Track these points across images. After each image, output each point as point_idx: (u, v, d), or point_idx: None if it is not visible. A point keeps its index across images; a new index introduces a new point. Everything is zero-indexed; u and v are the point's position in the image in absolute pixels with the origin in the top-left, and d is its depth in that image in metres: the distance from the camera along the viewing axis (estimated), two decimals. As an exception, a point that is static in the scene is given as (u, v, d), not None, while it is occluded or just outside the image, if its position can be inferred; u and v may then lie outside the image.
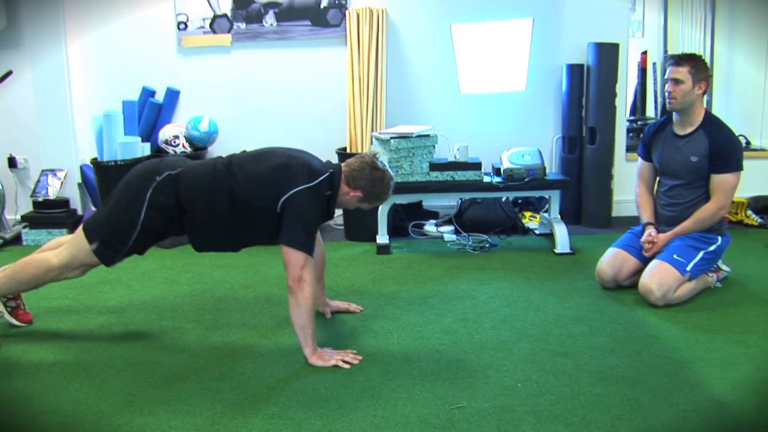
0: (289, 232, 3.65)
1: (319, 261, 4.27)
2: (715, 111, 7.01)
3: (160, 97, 6.84)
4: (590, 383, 3.40)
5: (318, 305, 4.36)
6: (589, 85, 6.50)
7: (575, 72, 6.57)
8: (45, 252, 4.05)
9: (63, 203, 6.51)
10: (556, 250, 5.72)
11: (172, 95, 6.86)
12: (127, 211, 3.79)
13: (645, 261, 4.69)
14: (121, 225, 3.80)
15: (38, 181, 6.58)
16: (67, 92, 6.67)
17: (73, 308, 4.55)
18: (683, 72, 4.50)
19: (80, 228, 3.88)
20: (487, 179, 5.95)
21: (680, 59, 4.56)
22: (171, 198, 3.79)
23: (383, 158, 3.94)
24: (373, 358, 3.74)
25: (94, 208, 6.68)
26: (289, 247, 3.62)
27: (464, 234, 6.25)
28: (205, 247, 4.01)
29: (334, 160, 6.33)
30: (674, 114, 4.71)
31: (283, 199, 3.67)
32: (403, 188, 5.80)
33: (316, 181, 3.73)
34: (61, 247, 3.96)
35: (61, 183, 6.57)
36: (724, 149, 4.51)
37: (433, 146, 5.95)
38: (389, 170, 3.92)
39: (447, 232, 6.33)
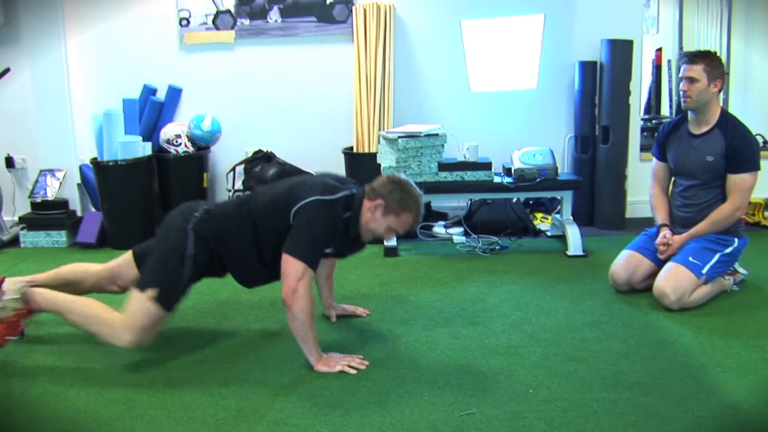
0: (293, 240, 3.62)
1: (329, 261, 4.28)
2: (732, 109, 7.00)
3: (161, 95, 6.86)
4: (603, 389, 3.40)
5: (324, 308, 4.41)
6: (602, 83, 6.50)
7: (588, 69, 6.56)
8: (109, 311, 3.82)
9: (62, 204, 6.52)
10: (569, 253, 5.73)
11: (174, 93, 6.88)
12: (175, 252, 3.79)
13: (660, 263, 4.69)
14: (173, 266, 3.78)
15: (36, 181, 6.59)
16: (66, 90, 6.68)
17: (73, 312, 4.56)
18: (698, 70, 4.50)
19: (132, 294, 3.78)
20: (497, 179, 5.96)
21: (695, 57, 4.56)
22: (210, 232, 3.84)
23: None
24: (380, 363, 3.75)
25: (93, 209, 6.69)
26: (290, 255, 3.58)
27: (474, 236, 6.25)
28: (249, 280, 4.04)
29: (340, 159, 6.40)
30: (689, 113, 4.70)
31: (293, 210, 3.65)
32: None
33: (330, 197, 3.68)
34: (112, 315, 3.77)
35: (60, 183, 6.58)
36: (740, 148, 4.51)
37: (442, 146, 5.96)
38: (412, 182, 3.87)
39: (456, 233, 6.33)
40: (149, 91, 6.79)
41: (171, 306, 3.78)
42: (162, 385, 3.54)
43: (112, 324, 3.68)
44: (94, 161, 6.37)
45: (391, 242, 5.86)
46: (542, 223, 6.62)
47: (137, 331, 3.65)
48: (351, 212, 3.76)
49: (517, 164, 5.91)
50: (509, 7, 6.53)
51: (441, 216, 6.78)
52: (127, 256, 4.10)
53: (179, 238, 3.79)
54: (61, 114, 6.68)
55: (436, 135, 5.92)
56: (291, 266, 3.56)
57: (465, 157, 5.98)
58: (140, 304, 3.68)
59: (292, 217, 3.66)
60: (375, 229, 3.80)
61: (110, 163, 6.22)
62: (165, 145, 6.56)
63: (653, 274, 4.66)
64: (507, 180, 5.94)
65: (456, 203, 6.85)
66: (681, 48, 8.28)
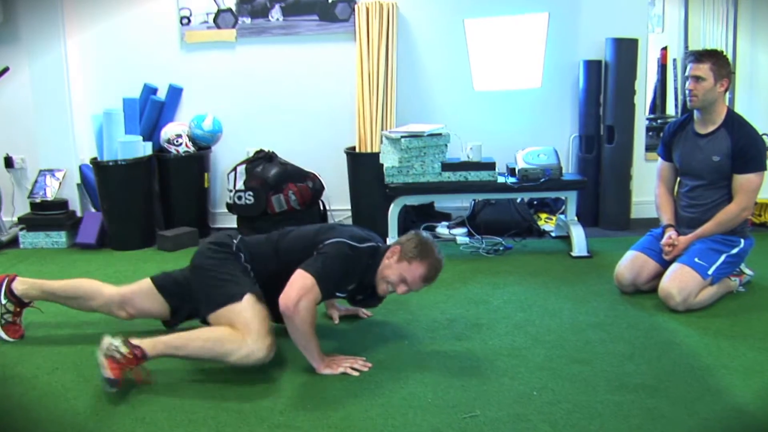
0: (311, 261, 3.63)
1: None
2: (738, 109, 6.97)
3: (162, 94, 6.87)
4: (608, 391, 3.40)
5: (325, 307, 4.44)
6: (607, 82, 6.50)
7: (593, 68, 6.56)
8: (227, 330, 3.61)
9: (61, 205, 6.53)
10: (573, 254, 5.73)
11: (175, 93, 6.88)
12: (235, 265, 3.82)
13: (665, 264, 4.69)
14: (238, 274, 3.79)
15: (36, 181, 6.59)
16: (65, 89, 6.68)
17: (73, 314, 4.54)
18: (704, 69, 4.50)
19: (220, 310, 3.65)
20: (501, 180, 5.95)
21: (701, 56, 4.56)
22: (247, 256, 3.89)
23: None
24: (382, 365, 3.75)
25: (93, 210, 6.70)
26: (303, 270, 3.58)
27: (477, 236, 6.24)
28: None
29: (343, 160, 6.40)
30: (695, 112, 4.70)
31: (318, 247, 3.70)
32: (415, 189, 5.82)
33: (357, 244, 3.73)
34: (235, 331, 3.57)
35: (60, 184, 6.59)
36: (747, 148, 4.51)
37: (446, 145, 5.96)
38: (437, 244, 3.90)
39: (460, 234, 6.33)
40: (150, 91, 6.80)
41: (262, 299, 3.72)
42: (163, 387, 3.54)
43: (236, 339, 3.51)
44: (94, 161, 6.37)
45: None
46: (546, 223, 6.62)
47: (261, 335, 3.52)
48: (373, 262, 3.81)
49: (521, 164, 5.90)
50: (513, 5, 6.52)
51: (444, 216, 6.78)
52: (144, 285, 4.05)
53: (233, 258, 3.84)
54: (61, 113, 6.68)
55: (440, 135, 5.91)
56: (300, 278, 3.55)
57: (468, 157, 5.97)
58: (240, 312, 3.60)
59: (315, 252, 3.70)
60: (388, 277, 3.80)
61: (110, 163, 6.22)
62: (165, 145, 6.57)
63: (658, 275, 4.65)
64: (511, 180, 5.94)
65: (459, 203, 6.85)
66: (686, 47, 8.27)
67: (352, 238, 3.76)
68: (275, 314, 3.67)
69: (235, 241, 3.91)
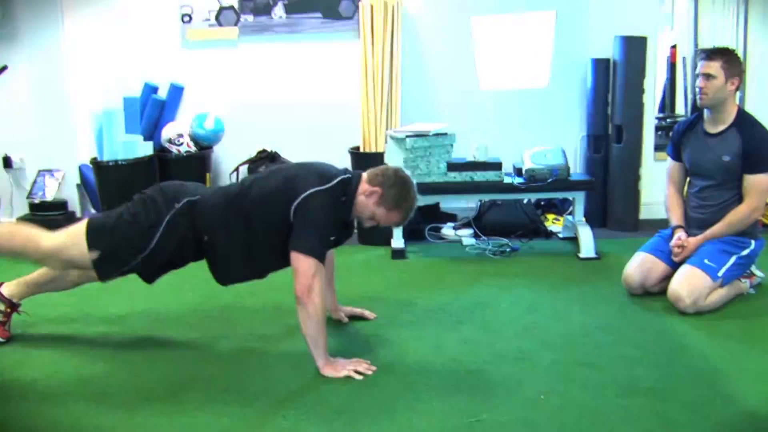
0: (299, 236, 3.63)
1: (327, 264, 4.26)
2: (748, 108, 6.95)
3: (163, 93, 6.88)
4: (617, 395, 3.40)
5: (330, 311, 4.39)
6: (615, 80, 6.49)
7: (601, 67, 6.55)
8: (38, 230, 3.94)
9: (60, 205, 6.55)
10: (581, 255, 5.72)
11: (176, 91, 6.89)
12: (139, 233, 3.78)
13: (674, 266, 4.68)
14: (129, 243, 3.79)
15: (35, 181, 6.61)
16: (65, 88, 6.70)
17: (72, 316, 4.56)
18: (715, 67, 4.49)
19: (84, 224, 3.83)
20: (507, 180, 5.94)
21: (712, 53, 4.55)
22: (187, 228, 3.82)
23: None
24: (387, 368, 3.74)
25: (93, 211, 6.70)
26: (299, 253, 3.58)
27: (484, 238, 6.24)
28: (230, 278, 4.02)
29: (347, 159, 6.39)
30: (705, 111, 4.69)
31: (294, 205, 3.66)
32: (420, 189, 5.76)
33: (328, 185, 3.71)
34: (58, 233, 3.87)
35: (59, 184, 6.61)
36: (757, 148, 4.50)
37: (451, 145, 5.95)
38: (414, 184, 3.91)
39: (466, 235, 6.33)
40: (150, 89, 6.80)
41: (104, 278, 3.89)
42: (164, 392, 3.54)
43: (38, 248, 3.83)
44: (93, 161, 6.38)
45: (399, 244, 5.87)
46: (554, 224, 6.62)
47: (55, 262, 3.92)
48: (346, 197, 3.80)
49: (528, 164, 5.89)
50: (520, 3, 6.52)
51: (450, 217, 6.78)
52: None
53: (149, 225, 3.78)
54: (60, 113, 6.70)
55: (445, 134, 5.91)
56: (302, 263, 3.57)
57: (474, 157, 5.97)
58: (76, 251, 3.78)
59: (292, 213, 3.66)
60: (361, 213, 3.86)
61: (110, 163, 6.23)
62: (167, 145, 6.57)
63: (668, 277, 4.65)
64: (518, 180, 5.93)
65: (465, 204, 6.83)
66: (696, 45, 8.26)
67: (321, 181, 3.73)
68: (227, 279, 3.97)
69: (177, 205, 3.81)
